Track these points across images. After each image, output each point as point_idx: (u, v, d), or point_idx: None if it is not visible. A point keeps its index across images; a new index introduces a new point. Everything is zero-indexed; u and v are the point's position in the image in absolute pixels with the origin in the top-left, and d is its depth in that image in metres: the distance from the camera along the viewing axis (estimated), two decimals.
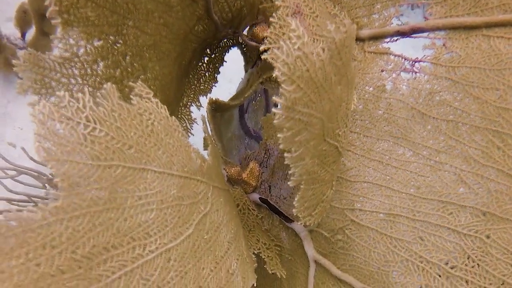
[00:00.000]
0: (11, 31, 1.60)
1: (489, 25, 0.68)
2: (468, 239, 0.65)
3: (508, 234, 0.63)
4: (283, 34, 0.64)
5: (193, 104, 0.96)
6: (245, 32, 0.93)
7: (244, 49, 0.99)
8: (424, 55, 0.72)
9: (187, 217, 0.52)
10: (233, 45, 0.98)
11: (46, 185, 1.12)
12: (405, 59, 0.74)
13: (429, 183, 0.69)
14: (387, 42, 0.76)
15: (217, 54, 0.96)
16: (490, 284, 0.63)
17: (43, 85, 0.55)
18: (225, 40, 0.96)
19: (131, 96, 0.50)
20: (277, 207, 0.79)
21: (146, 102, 0.51)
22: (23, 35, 1.61)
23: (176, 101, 0.90)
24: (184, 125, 0.95)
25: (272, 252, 0.76)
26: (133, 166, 0.46)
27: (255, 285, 0.62)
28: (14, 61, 0.51)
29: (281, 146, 0.45)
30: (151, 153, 0.48)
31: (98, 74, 0.60)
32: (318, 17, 0.68)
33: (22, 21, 1.55)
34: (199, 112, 0.94)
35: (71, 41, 0.55)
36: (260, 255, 0.74)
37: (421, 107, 0.70)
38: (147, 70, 0.69)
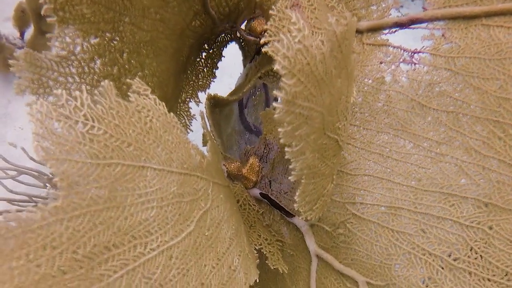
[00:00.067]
0: (10, 30, 1.59)
1: (488, 15, 0.67)
2: (471, 231, 0.65)
3: (511, 224, 0.63)
4: (283, 26, 0.63)
5: (191, 100, 0.96)
6: (242, 27, 0.92)
7: (242, 43, 0.98)
8: (423, 46, 0.71)
9: (188, 214, 0.52)
10: (231, 40, 0.98)
11: (47, 184, 1.12)
12: (404, 51, 0.74)
13: (430, 175, 0.68)
14: (386, 34, 0.76)
15: (215, 49, 0.96)
16: (494, 275, 0.63)
17: (41, 85, 0.54)
18: (223, 35, 0.95)
19: (129, 93, 0.49)
20: (277, 202, 0.79)
21: (144, 99, 0.50)
22: (21, 35, 1.60)
23: (175, 97, 0.89)
24: (183, 121, 0.94)
25: (274, 248, 0.76)
26: (132, 164, 0.46)
27: (257, 281, 0.61)
28: (10, 61, 0.50)
29: (281, 141, 0.44)
30: (150, 151, 0.48)
31: (95, 72, 0.60)
32: (316, 10, 0.68)
33: (21, 21, 1.55)
34: (198, 108, 0.94)
35: (67, 39, 0.55)
36: (262, 250, 0.74)
37: (421, 98, 0.70)
38: (144, 67, 0.69)
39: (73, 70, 0.57)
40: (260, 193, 0.80)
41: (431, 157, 0.69)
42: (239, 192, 0.79)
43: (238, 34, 0.94)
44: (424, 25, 0.72)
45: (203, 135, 0.74)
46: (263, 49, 0.48)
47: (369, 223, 0.72)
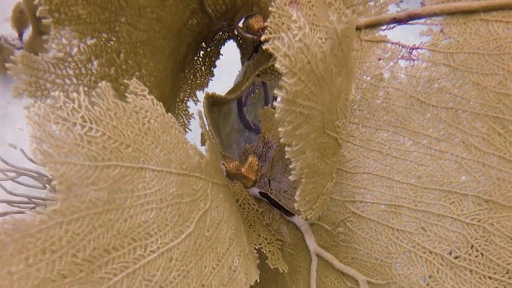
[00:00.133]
0: (8, 31, 1.59)
1: (487, 9, 0.67)
2: (471, 228, 0.65)
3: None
4: (282, 23, 0.63)
5: (190, 99, 0.95)
6: (240, 24, 0.92)
7: (240, 41, 0.98)
8: (422, 42, 0.71)
9: (187, 215, 0.51)
10: (229, 38, 0.97)
11: (46, 185, 1.11)
12: (402, 47, 0.73)
13: (430, 172, 0.68)
14: (384, 30, 0.75)
15: (212, 48, 0.95)
16: (495, 273, 0.63)
17: (38, 87, 0.54)
18: (220, 33, 0.95)
19: (126, 94, 0.49)
20: (277, 200, 0.78)
21: (141, 99, 0.50)
22: (20, 35, 1.60)
23: (173, 96, 0.89)
24: (181, 120, 0.94)
25: (274, 247, 0.75)
26: (131, 166, 0.45)
27: (258, 281, 0.61)
28: (7, 65, 0.50)
29: (282, 140, 0.44)
30: (148, 152, 0.48)
31: (92, 73, 0.60)
32: (314, 7, 0.67)
33: (19, 21, 1.54)
34: (197, 107, 0.93)
35: (64, 41, 0.54)
36: (262, 250, 0.74)
37: (420, 95, 0.70)
38: (141, 67, 0.69)
39: (70, 72, 0.57)
40: (260, 192, 0.80)
41: (431, 154, 0.69)
42: (238, 191, 0.78)
43: (235, 32, 0.94)
44: (422, 20, 0.72)
45: (202, 134, 0.74)
46: (264, 46, 0.48)
47: (369, 222, 0.72)
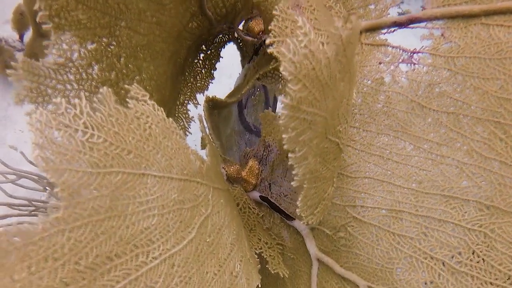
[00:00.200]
0: (9, 33, 1.59)
1: (488, 13, 0.67)
2: (473, 234, 0.65)
3: None
4: (286, 27, 0.63)
5: (190, 102, 0.95)
6: (240, 27, 0.92)
7: (240, 44, 0.98)
8: (423, 46, 0.71)
9: (189, 221, 0.51)
10: (229, 41, 0.97)
11: (47, 188, 1.11)
12: (403, 51, 0.73)
13: (431, 177, 0.68)
14: (384, 34, 0.75)
15: (212, 50, 0.95)
16: (496, 279, 0.63)
17: (39, 93, 0.54)
18: (221, 35, 0.95)
19: (127, 100, 0.49)
20: (277, 204, 0.78)
21: (142, 104, 0.50)
22: (21, 37, 1.59)
23: (173, 100, 0.89)
24: (181, 123, 0.94)
25: (274, 251, 0.75)
26: (133, 172, 0.45)
27: (259, 286, 0.61)
28: (8, 71, 0.50)
29: (285, 147, 0.44)
30: (150, 157, 0.48)
31: (93, 78, 0.59)
32: (315, 10, 0.67)
33: (19, 23, 1.54)
34: (197, 110, 0.93)
35: (64, 46, 0.54)
36: (262, 254, 0.74)
37: (421, 99, 0.70)
38: (142, 71, 0.68)
39: (71, 77, 0.57)
40: (260, 196, 0.80)
41: (432, 159, 0.69)
42: (239, 195, 0.78)
43: (236, 35, 0.94)
44: (423, 24, 0.72)
45: (202, 138, 0.74)
46: (268, 50, 0.48)
47: (370, 226, 0.71)
